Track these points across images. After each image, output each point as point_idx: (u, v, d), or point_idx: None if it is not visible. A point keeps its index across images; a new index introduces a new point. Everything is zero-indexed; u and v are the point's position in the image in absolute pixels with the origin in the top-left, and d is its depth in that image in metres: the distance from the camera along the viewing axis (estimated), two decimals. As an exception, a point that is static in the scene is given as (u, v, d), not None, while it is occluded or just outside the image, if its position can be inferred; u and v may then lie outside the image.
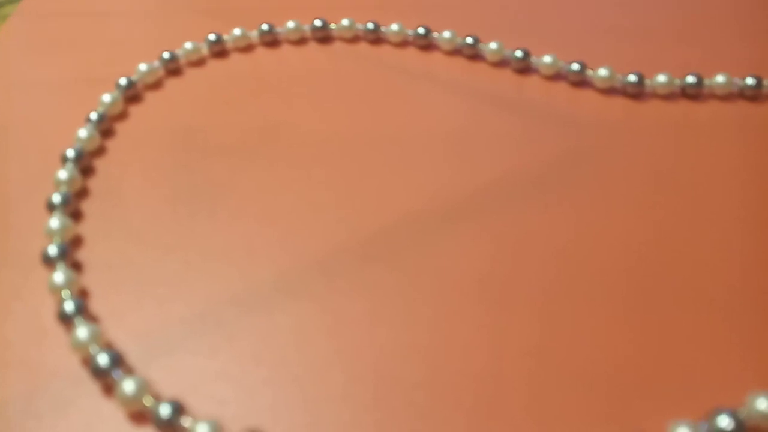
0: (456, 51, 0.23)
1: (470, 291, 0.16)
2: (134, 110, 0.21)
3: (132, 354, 0.14)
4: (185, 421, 0.13)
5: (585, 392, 0.14)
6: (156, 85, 0.22)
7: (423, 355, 0.15)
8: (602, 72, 0.21)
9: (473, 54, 0.23)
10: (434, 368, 0.14)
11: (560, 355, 0.14)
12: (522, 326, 0.15)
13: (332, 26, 0.23)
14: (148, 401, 0.13)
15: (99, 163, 0.19)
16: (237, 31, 0.23)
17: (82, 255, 0.17)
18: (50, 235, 0.16)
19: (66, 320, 0.14)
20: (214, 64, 0.23)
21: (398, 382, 0.14)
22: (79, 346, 0.14)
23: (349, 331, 0.15)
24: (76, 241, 0.17)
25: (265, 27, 0.23)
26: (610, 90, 0.21)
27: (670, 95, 0.21)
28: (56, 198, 0.17)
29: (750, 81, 0.21)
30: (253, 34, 0.23)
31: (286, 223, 0.17)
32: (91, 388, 0.14)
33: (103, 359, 0.14)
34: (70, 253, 0.16)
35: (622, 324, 0.15)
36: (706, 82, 0.21)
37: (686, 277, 0.16)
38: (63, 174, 0.18)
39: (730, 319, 0.15)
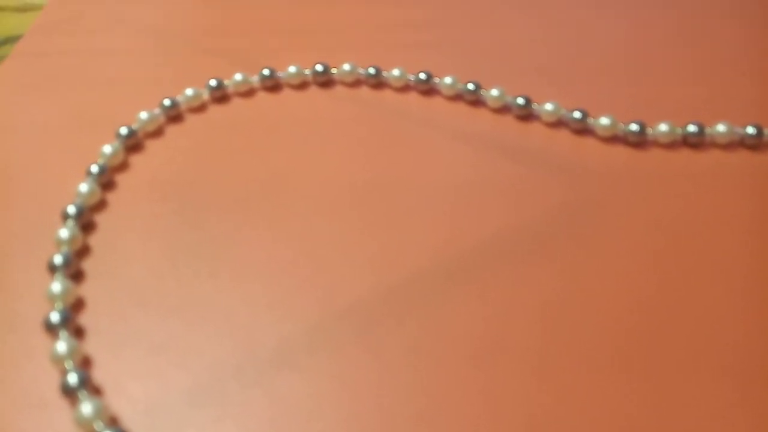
0: (457, 96, 0.23)
1: (473, 356, 0.16)
2: (135, 160, 0.21)
3: (137, 430, 0.14)
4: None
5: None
6: (157, 133, 0.22)
7: (430, 425, 0.14)
8: (604, 120, 0.21)
9: (474, 100, 0.23)
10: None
11: (561, 427, 0.14)
12: (524, 393, 0.15)
13: (333, 70, 0.23)
14: (153, 482, 0.13)
15: (100, 219, 0.19)
16: (238, 77, 0.23)
17: (84, 319, 0.16)
18: (52, 299, 0.16)
19: (69, 393, 0.14)
20: (215, 110, 0.23)
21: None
22: (83, 423, 0.14)
23: (355, 400, 0.15)
24: (77, 304, 0.17)
25: (266, 71, 0.23)
26: (612, 138, 0.21)
27: (671, 144, 0.21)
28: (57, 259, 0.17)
29: (751, 130, 0.21)
30: (254, 79, 0.23)
31: (287, 282, 0.17)
32: (95, 464, 0.14)
33: (107, 438, 0.13)
34: (72, 318, 0.16)
35: (621, 391, 0.15)
36: (708, 130, 0.21)
37: (688, 337, 0.16)
38: (64, 233, 0.17)
39: (731, 386, 0.15)
